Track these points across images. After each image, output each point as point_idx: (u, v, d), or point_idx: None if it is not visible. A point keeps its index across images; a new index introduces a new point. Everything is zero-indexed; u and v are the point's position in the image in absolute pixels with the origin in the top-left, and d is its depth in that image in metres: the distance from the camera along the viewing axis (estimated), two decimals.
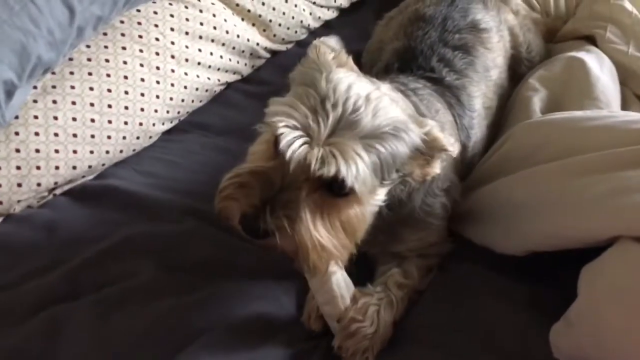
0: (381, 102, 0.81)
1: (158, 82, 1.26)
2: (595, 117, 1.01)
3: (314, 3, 1.55)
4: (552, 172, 0.94)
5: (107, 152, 1.21)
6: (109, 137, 1.20)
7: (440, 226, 1.02)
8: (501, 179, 1.03)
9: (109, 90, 1.19)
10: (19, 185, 1.10)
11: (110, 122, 1.20)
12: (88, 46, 1.21)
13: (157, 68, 1.26)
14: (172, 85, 1.29)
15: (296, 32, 1.53)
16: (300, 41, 1.57)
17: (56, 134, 1.13)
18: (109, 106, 1.19)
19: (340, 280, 0.90)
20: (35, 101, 1.13)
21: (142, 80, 1.24)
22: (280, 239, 0.77)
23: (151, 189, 1.19)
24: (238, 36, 1.40)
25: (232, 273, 1.02)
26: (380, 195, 0.85)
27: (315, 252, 0.79)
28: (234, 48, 1.41)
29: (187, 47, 1.31)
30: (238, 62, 1.43)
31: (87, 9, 1.12)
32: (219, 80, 1.40)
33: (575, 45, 1.36)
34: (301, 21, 1.53)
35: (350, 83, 0.80)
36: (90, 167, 1.20)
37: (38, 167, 1.12)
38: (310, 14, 1.54)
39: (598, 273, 0.79)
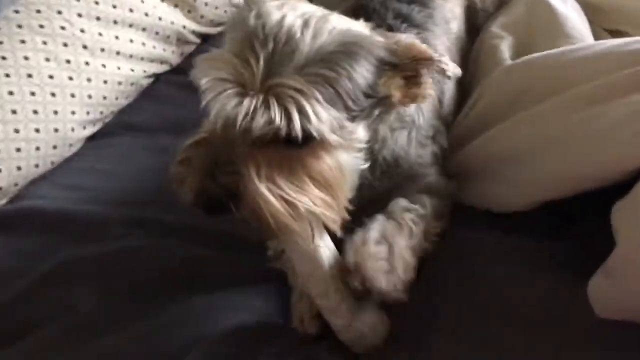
0: (325, 21, 0.66)
1: (71, 78, 1.06)
2: (579, 48, 0.91)
3: None
4: (549, 110, 0.84)
5: (19, 168, 1.00)
6: (18, 150, 0.99)
7: (437, 170, 0.90)
8: (490, 130, 0.92)
9: (11, 93, 0.99)
10: None
11: (17, 131, 0.99)
12: None
13: (67, 61, 1.06)
14: (89, 80, 1.09)
15: (225, 11, 1.36)
16: None
17: None
18: (13, 112, 0.98)
19: (333, 264, 0.73)
20: None
21: (51, 77, 1.03)
22: (235, 205, 0.64)
23: (81, 204, 0.99)
24: (160, 19, 1.22)
25: (200, 286, 0.86)
26: (359, 134, 0.70)
27: (280, 212, 0.65)
28: (157, 33, 1.22)
29: (100, 34, 1.11)
30: (164, 50, 1.25)
31: None
32: (144, 71, 1.21)
33: None
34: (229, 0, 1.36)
35: (284, 13, 0.66)
36: (0, 188, 0.98)
37: None
38: None
39: (637, 211, 0.67)
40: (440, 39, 1.04)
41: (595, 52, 0.88)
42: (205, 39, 1.36)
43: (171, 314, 0.82)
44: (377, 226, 0.75)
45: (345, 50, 0.65)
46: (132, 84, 1.18)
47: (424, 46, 0.70)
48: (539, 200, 0.83)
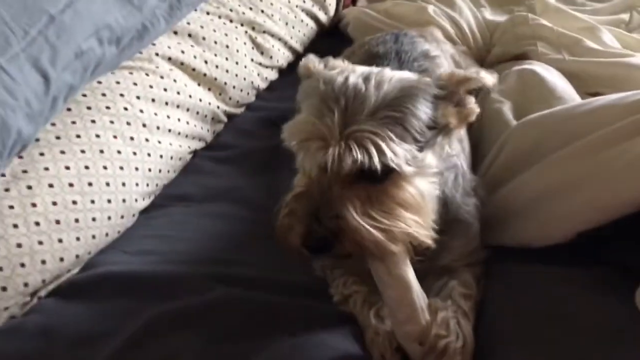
0: (382, 74, 0.81)
1: (135, 153, 1.15)
2: (585, 103, 1.08)
3: (260, 64, 1.54)
4: (573, 153, 0.97)
5: (94, 236, 1.05)
6: (94, 220, 1.05)
7: (478, 228, 1.00)
8: (519, 176, 1.04)
9: (87, 167, 1.06)
10: (4, 289, 0.91)
11: (93, 202, 1.05)
12: (53, 124, 1.07)
13: (132, 138, 1.15)
14: (149, 155, 1.18)
15: (248, 93, 1.51)
16: (250, 104, 1.54)
17: (37, 223, 0.96)
18: (90, 184, 1.05)
19: (419, 292, 0.82)
20: (7, 190, 0.96)
21: (119, 152, 1.12)
22: (340, 242, 0.77)
23: (155, 266, 1.04)
24: (200, 100, 1.34)
25: (282, 331, 0.90)
26: (429, 160, 0.83)
27: (379, 240, 0.77)
28: (197, 113, 1.34)
29: (155, 114, 1.22)
30: (202, 128, 1.36)
31: (60, 76, 1.00)
32: (189, 147, 1.31)
33: (513, 65, 1.47)
34: (252, 82, 1.51)
35: (346, 75, 0.81)
36: (77, 256, 1.03)
37: (22, 265, 0.94)
38: (258, 74, 1.53)
39: None
40: None
41: (598, 105, 1.03)
42: (230, 118, 1.48)
43: (262, 357, 0.85)
44: (451, 313, 0.85)
45: (406, 94, 0.79)
46: (180, 158, 1.28)
47: (461, 71, 0.85)
48: (575, 232, 0.92)
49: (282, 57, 1.62)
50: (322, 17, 1.78)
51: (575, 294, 0.88)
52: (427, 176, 0.84)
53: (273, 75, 1.61)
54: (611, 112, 0.99)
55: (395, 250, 0.79)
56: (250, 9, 1.55)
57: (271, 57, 1.57)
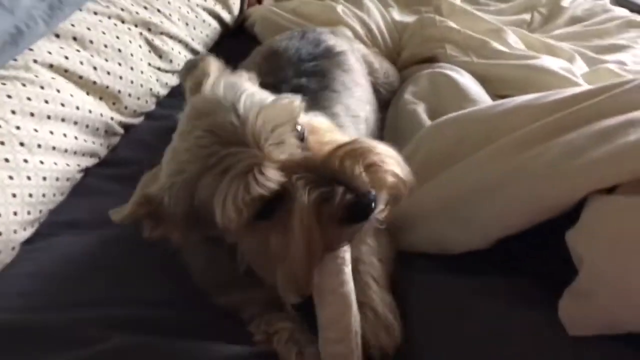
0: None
1: (11, 178, 0.99)
2: (500, 104, 1.06)
3: (159, 69, 1.42)
4: (488, 156, 0.95)
5: None
6: None
7: None
8: (435, 179, 1.01)
9: None
10: None
11: None
12: None
13: (6, 160, 0.99)
14: (29, 178, 1.02)
15: (146, 101, 1.38)
16: (150, 113, 1.41)
17: None
18: None
19: (356, 315, 0.76)
20: None
21: None
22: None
23: (38, 313, 0.91)
24: (90, 112, 1.19)
25: None
26: None
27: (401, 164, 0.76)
28: (87, 126, 1.19)
29: (36, 130, 1.06)
30: (93, 143, 1.21)
31: None
32: (78, 165, 1.16)
33: (423, 67, 1.45)
34: (150, 89, 1.38)
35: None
36: None
37: None
38: (157, 80, 1.40)
39: (596, 235, 0.78)
40: (338, 99, 1.14)
41: (514, 106, 1.01)
42: (127, 129, 1.35)
43: None
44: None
45: None
46: (67, 179, 1.13)
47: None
48: (495, 237, 0.89)
49: (183, 60, 1.49)
50: (226, 16, 1.67)
51: (498, 308, 0.84)
52: None
53: (174, 80, 1.48)
54: (527, 113, 0.98)
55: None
56: (145, 8, 1.41)
57: (171, 61, 1.44)
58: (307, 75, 1.12)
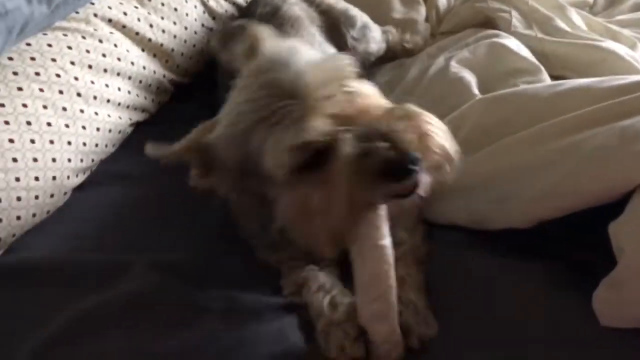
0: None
1: (67, 126, 1.04)
2: (557, 84, 1.03)
3: (212, 30, 1.43)
4: (542, 133, 0.92)
5: (19, 217, 0.95)
6: (18, 199, 0.95)
7: None
8: (481, 150, 0.98)
9: (11, 141, 0.95)
10: None
11: (18, 179, 0.94)
12: None
13: (64, 109, 1.04)
14: (84, 128, 1.07)
15: (198, 61, 1.40)
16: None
17: None
18: (14, 160, 0.94)
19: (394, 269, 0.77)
20: None
21: (49, 124, 1.00)
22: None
23: (81, 253, 0.96)
24: (144, 68, 1.23)
25: (223, 320, 0.84)
26: None
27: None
28: (140, 82, 1.23)
29: (92, 82, 1.10)
30: (145, 98, 1.25)
31: None
32: (130, 119, 1.21)
33: (475, 33, 1.40)
34: (202, 49, 1.40)
35: None
36: None
37: None
38: (209, 41, 1.42)
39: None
40: None
41: (572, 87, 0.98)
42: (178, 87, 1.38)
43: (201, 349, 0.80)
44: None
45: None
46: (119, 131, 1.18)
47: None
48: (537, 218, 0.86)
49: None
50: None
51: (522, 294, 0.84)
52: None
53: None
54: (586, 95, 0.94)
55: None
56: None
57: (224, 23, 1.46)
58: None
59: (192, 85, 1.43)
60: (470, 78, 1.22)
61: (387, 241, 0.76)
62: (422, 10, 1.57)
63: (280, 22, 1.23)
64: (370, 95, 0.77)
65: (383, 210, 0.76)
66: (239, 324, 0.84)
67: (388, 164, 0.68)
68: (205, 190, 0.83)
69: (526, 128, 0.95)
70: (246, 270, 0.96)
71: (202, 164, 0.80)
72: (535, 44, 1.32)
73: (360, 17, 1.41)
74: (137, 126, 1.26)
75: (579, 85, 0.98)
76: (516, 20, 1.37)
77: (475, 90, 1.18)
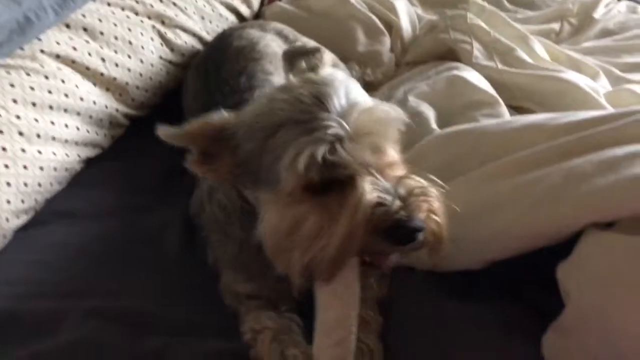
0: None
1: (7, 166, 1.00)
2: (513, 120, 1.04)
3: (170, 62, 1.40)
4: (487, 175, 0.92)
5: None
6: None
7: None
8: None
9: None
10: None
11: None
12: None
13: (4, 149, 1.00)
14: (25, 167, 1.04)
15: (155, 94, 1.37)
16: (158, 106, 1.41)
17: None
18: None
19: (356, 316, 0.76)
20: None
21: None
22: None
23: (24, 301, 0.93)
24: (94, 103, 1.20)
25: None
26: None
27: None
28: (90, 117, 1.20)
29: (36, 120, 1.07)
30: (97, 134, 1.22)
31: None
32: (79, 155, 1.17)
33: (443, 65, 1.40)
34: (160, 82, 1.37)
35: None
36: None
37: None
38: (167, 73, 1.40)
39: (585, 270, 0.75)
40: None
41: (527, 123, 0.98)
42: (134, 121, 1.35)
43: None
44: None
45: None
46: (66, 169, 1.14)
47: None
48: (487, 261, 0.87)
49: (196, 54, 1.48)
50: (245, 10, 1.65)
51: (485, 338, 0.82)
52: None
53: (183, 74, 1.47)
54: (539, 132, 0.94)
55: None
56: (161, 1, 1.40)
57: (183, 55, 1.43)
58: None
59: (150, 118, 1.40)
60: (429, 112, 1.21)
61: (357, 286, 0.76)
62: (387, 41, 1.56)
63: (257, 57, 1.22)
64: (395, 155, 0.78)
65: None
66: None
67: (397, 224, 0.69)
68: (199, 174, 0.83)
69: (480, 166, 0.95)
70: (193, 316, 0.93)
71: (204, 150, 0.78)
72: (496, 75, 1.32)
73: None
74: (90, 162, 1.23)
75: (533, 122, 0.98)
76: (477, 52, 1.37)
77: (434, 125, 1.18)
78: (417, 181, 0.74)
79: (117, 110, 1.26)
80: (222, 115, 0.78)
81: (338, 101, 0.72)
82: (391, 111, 0.75)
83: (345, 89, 0.74)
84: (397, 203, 0.70)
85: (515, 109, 1.28)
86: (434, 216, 0.74)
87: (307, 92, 0.73)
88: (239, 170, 0.77)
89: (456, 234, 0.88)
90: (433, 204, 0.74)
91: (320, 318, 0.76)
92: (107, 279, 0.99)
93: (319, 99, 0.72)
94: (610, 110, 1.13)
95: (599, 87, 1.32)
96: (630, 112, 0.89)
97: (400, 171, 0.76)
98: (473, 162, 0.96)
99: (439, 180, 0.79)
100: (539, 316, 0.82)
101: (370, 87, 1.43)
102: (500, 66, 1.33)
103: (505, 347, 0.81)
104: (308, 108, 0.71)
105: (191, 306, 0.95)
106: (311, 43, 1.39)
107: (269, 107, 0.75)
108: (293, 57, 1.00)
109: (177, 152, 0.82)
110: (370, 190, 0.70)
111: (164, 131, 0.77)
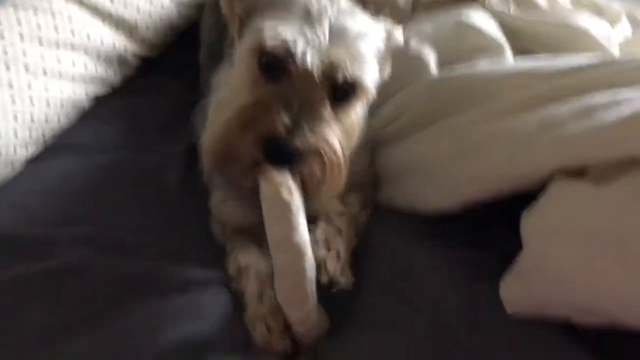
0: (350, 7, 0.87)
1: (13, 100, 1.07)
2: (510, 65, 1.04)
3: (182, 3, 1.42)
4: (477, 117, 0.92)
5: None
6: None
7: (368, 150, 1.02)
8: (415, 136, 1.01)
9: None
10: None
11: None
12: None
13: (10, 84, 1.06)
14: (32, 102, 1.09)
15: (165, 34, 1.40)
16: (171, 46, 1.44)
17: None
18: None
19: (311, 260, 0.79)
20: None
21: None
22: (306, 160, 0.77)
23: (23, 225, 1.00)
24: (102, 42, 1.24)
25: (151, 293, 0.87)
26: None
27: (343, 169, 0.82)
28: (98, 56, 1.24)
29: (42, 57, 1.12)
30: (106, 72, 1.27)
31: None
32: (86, 93, 1.22)
33: (454, 8, 1.34)
34: (170, 23, 1.39)
35: None
36: None
37: None
38: (179, 13, 1.41)
39: (542, 218, 0.76)
40: None
41: (518, 70, 0.98)
42: (145, 61, 1.38)
43: (121, 325, 0.82)
44: (321, 234, 0.84)
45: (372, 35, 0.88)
46: (74, 105, 1.20)
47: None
48: (462, 201, 0.88)
49: None
50: None
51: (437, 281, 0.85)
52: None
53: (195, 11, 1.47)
54: (528, 78, 0.93)
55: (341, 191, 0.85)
56: None
57: None
58: None
59: (162, 58, 1.44)
60: (430, 56, 1.19)
61: (298, 236, 0.77)
62: None
63: None
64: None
65: (296, 202, 0.77)
66: (159, 295, 0.87)
67: (273, 135, 0.74)
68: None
69: (469, 110, 0.95)
70: (186, 247, 0.98)
71: None
72: (508, 20, 1.26)
73: None
74: (99, 100, 1.28)
75: (525, 68, 0.97)
76: None
77: (433, 70, 1.15)
78: (330, 138, 0.78)
79: (125, 49, 1.30)
80: None
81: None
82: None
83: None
84: (288, 123, 0.74)
85: (522, 54, 1.23)
86: (320, 159, 0.78)
87: None
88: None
89: (435, 176, 0.94)
90: (328, 153, 0.78)
91: (274, 267, 0.79)
92: (105, 209, 1.05)
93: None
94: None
95: (618, 31, 1.25)
96: (618, 61, 0.88)
97: (327, 126, 0.78)
98: (459, 109, 0.96)
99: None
100: (507, 263, 0.82)
101: None
102: (512, 11, 1.27)
103: (465, 286, 0.83)
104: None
105: (186, 238, 1.00)
106: None
107: None
108: None
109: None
110: (281, 99, 0.75)
111: None
